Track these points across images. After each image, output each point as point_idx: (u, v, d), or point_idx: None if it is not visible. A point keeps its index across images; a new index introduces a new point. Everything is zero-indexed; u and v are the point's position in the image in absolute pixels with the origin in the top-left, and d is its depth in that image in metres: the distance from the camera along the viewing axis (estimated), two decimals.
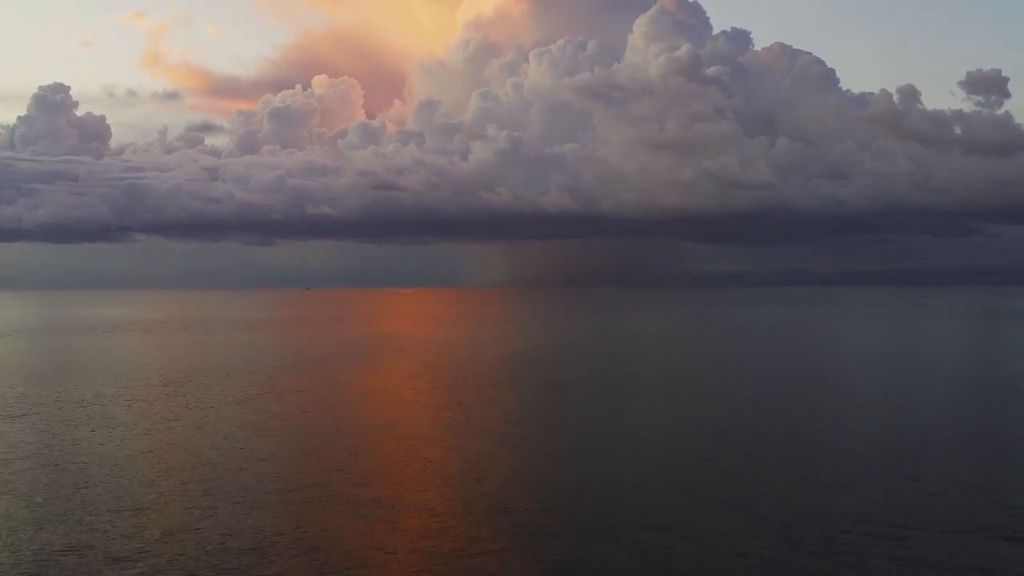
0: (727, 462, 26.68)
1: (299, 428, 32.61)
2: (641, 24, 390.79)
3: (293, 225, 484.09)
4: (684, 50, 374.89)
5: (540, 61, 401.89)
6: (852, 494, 22.86)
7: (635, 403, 40.17)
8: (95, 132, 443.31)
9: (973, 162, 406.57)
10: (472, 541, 18.92)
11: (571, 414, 36.49)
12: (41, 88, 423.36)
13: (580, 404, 38.88)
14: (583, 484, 23.78)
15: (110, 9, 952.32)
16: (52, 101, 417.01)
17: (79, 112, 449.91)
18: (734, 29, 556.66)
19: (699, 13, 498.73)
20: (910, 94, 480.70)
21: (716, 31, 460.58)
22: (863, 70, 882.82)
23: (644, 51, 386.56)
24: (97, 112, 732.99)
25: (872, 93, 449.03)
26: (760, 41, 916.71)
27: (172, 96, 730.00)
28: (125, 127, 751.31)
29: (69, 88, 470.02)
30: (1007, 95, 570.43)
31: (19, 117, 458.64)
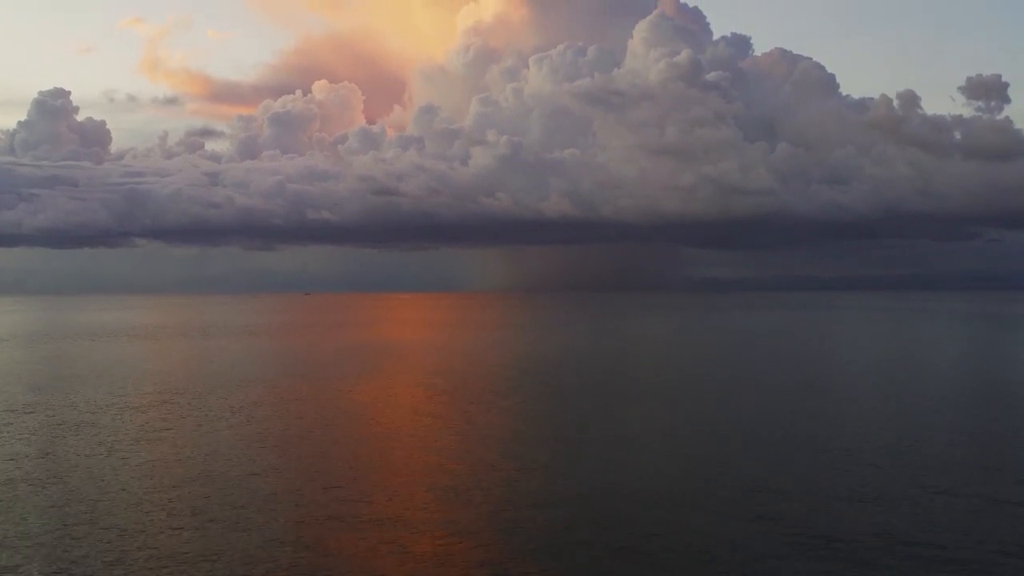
0: (729, 468, 26.69)
1: (295, 439, 31.66)
2: (641, 29, 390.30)
3: (293, 230, 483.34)
4: (684, 55, 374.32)
5: (540, 66, 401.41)
6: (853, 496, 22.81)
7: (636, 409, 39.92)
8: (95, 137, 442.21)
9: (973, 167, 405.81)
10: (479, 564, 18.04)
11: (572, 420, 36.10)
12: (41, 93, 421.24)
13: (581, 410, 38.42)
14: (585, 492, 23.37)
15: (110, 14, 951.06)
16: (52, 106, 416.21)
17: (79, 117, 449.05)
18: (734, 34, 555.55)
19: (699, 19, 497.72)
20: (910, 99, 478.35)
21: (716, 36, 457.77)
22: (863, 75, 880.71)
23: (644, 56, 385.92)
24: (97, 117, 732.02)
25: (872, 98, 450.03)
26: (760, 46, 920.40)
27: (172, 101, 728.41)
28: (125, 132, 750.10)
29: (69, 93, 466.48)
30: (1007, 100, 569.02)
31: (19, 122, 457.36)
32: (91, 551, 18.78)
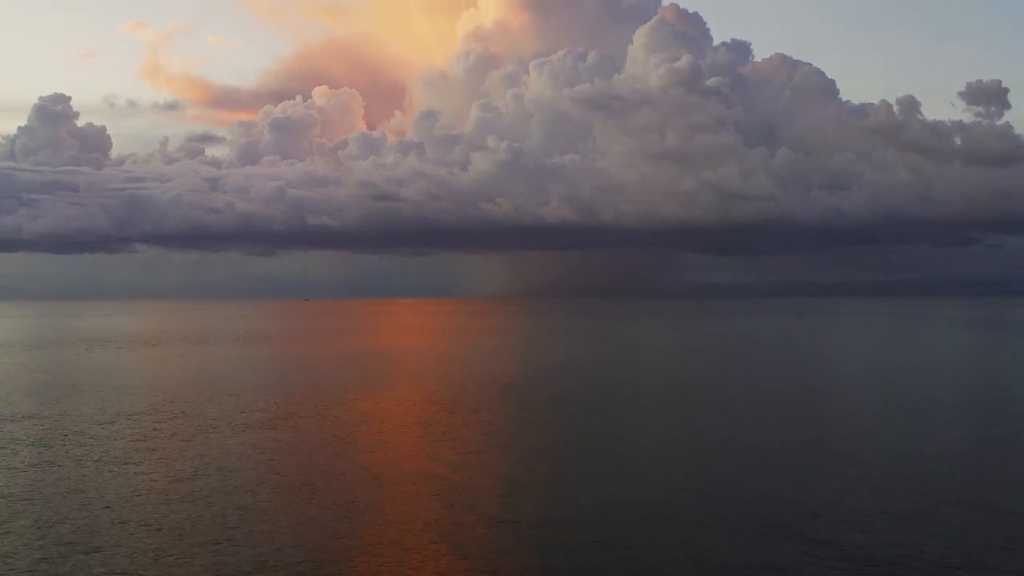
0: (729, 475, 26.76)
1: (291, 452, 30.86)
2: (641, 35, 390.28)
3: (293, 235, 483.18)
4: (684, 61, 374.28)
5: (540, 72, 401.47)
6: (856, 504, 22.76)
7: (637, 416, 39.85)
8: (96, 142, 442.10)
9: (973, 173, 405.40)
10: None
11: (574, 428, 35.98)
12: (42, 98, 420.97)
13: (583, 418, 38.22)
14: (587, 504, 23.04)
15: (111, 20, 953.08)
16: (53, 111, 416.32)
17: (80, 122, 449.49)
18: (734, 40, 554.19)
19: (699, 24, 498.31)
20: (910, 105, 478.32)
21: (716, 42, 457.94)
22: (863, 81, 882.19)
23: (644, 62, 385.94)
24: (98, 122, 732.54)
25: (872, 104, 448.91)
26: (760, 52, 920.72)
27: (173, 107, 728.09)
28: (126, 137, 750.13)
29: (70, 98, 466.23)
30: (1007, 106, 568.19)
31: (20, 127, 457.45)
32: (70, 573, 18.10)
